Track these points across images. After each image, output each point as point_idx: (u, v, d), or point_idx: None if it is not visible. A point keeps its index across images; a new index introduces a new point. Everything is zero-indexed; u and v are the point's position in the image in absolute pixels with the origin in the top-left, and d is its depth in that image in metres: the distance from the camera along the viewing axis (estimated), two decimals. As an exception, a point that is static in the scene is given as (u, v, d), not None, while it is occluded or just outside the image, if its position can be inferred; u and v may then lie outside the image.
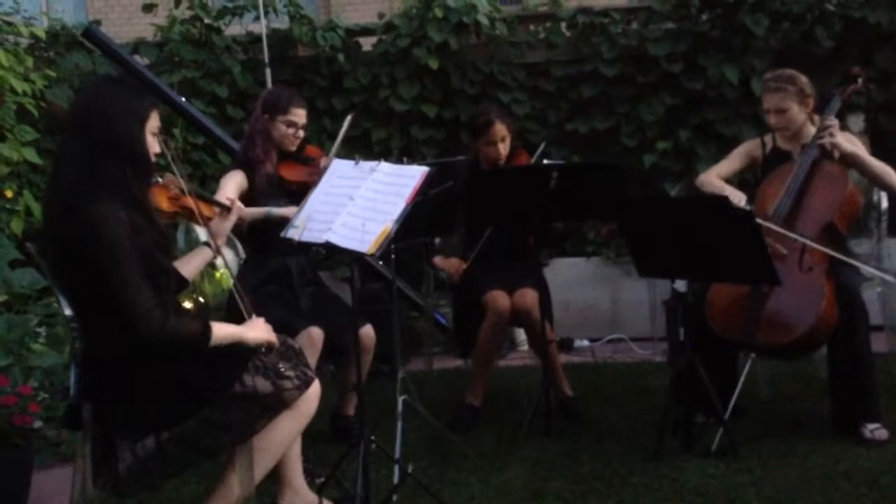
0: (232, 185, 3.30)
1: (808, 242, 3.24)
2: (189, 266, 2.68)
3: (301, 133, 3.47)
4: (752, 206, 3.36)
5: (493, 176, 3.67)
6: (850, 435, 3.24)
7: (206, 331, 2.40)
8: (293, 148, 3.48)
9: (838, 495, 2.81)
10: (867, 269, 3.42)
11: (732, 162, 3.68)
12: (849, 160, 3.40)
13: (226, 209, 2.80)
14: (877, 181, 3.44)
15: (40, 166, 4.61)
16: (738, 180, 4.19)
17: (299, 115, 3.45)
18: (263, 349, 2.49)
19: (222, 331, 2.45)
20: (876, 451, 3.13)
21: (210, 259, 2.76)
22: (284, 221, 3.04)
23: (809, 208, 3.33)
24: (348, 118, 3.63)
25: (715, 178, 3.59)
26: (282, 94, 3.50)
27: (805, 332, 3.15)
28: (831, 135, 3.36)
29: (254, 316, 2.58)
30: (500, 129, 3.75)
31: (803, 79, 3.45)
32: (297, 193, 3.34)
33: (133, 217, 2.33)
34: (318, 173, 3.35)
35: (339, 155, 3.28)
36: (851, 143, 3.43)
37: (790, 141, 3.53)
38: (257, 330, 2.53)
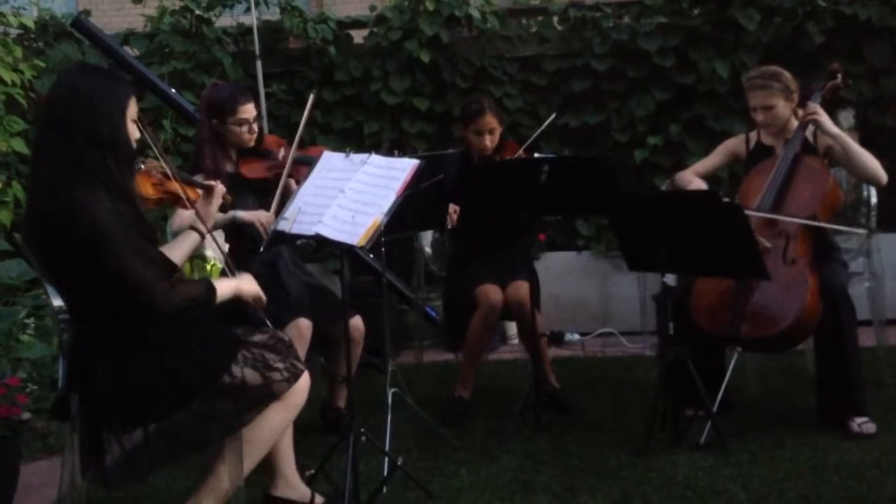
0: None
1: (799, 220, 3.26)
2: (177, 251, 2.63)
3: (255, 127, 3.39)
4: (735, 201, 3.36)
5: (484, 169, 3.67)
6: (837, 429, 3.26)
7: (211, 291, 2.44)
8: (251, 144, 3.41)
9: (826, 488, 2.83)
10: (839, 228, 3.42)
11: (714, 158, 3.72)
12: (833, 150, 3.40)
13: (209, 190, 2.77)
14: (859, 167, 3.36)
15: (29, 157, 4.58)
16: (727, 175, 4.18)
17: (247, 111, 3.36)
18: (252, 303, 2.58)
19: (223, 287, 2.49)
20: (863, 444, 3.15)
21: (198, 243, 2.71)
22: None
23: (792, 202, 3.34)
24: (311, 98, 3.41)
25: (689, 174, 3.61)
26: (223, 94, 3.40)
27: (790, 325, 3.17)
28: (814, 119, 3.35)
29: (240, 273, 2.65)
30: (491, 120, 3.75)
31: (787, 75, 3.46)
32: (261, 190, 3.35)
33: (117, 206, 2.31)
34: (280, 165, 3.35)
35: (327, 145, 3.26)
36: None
37: (774, 136, 3.54)
38: (249, 282, 2.60)
